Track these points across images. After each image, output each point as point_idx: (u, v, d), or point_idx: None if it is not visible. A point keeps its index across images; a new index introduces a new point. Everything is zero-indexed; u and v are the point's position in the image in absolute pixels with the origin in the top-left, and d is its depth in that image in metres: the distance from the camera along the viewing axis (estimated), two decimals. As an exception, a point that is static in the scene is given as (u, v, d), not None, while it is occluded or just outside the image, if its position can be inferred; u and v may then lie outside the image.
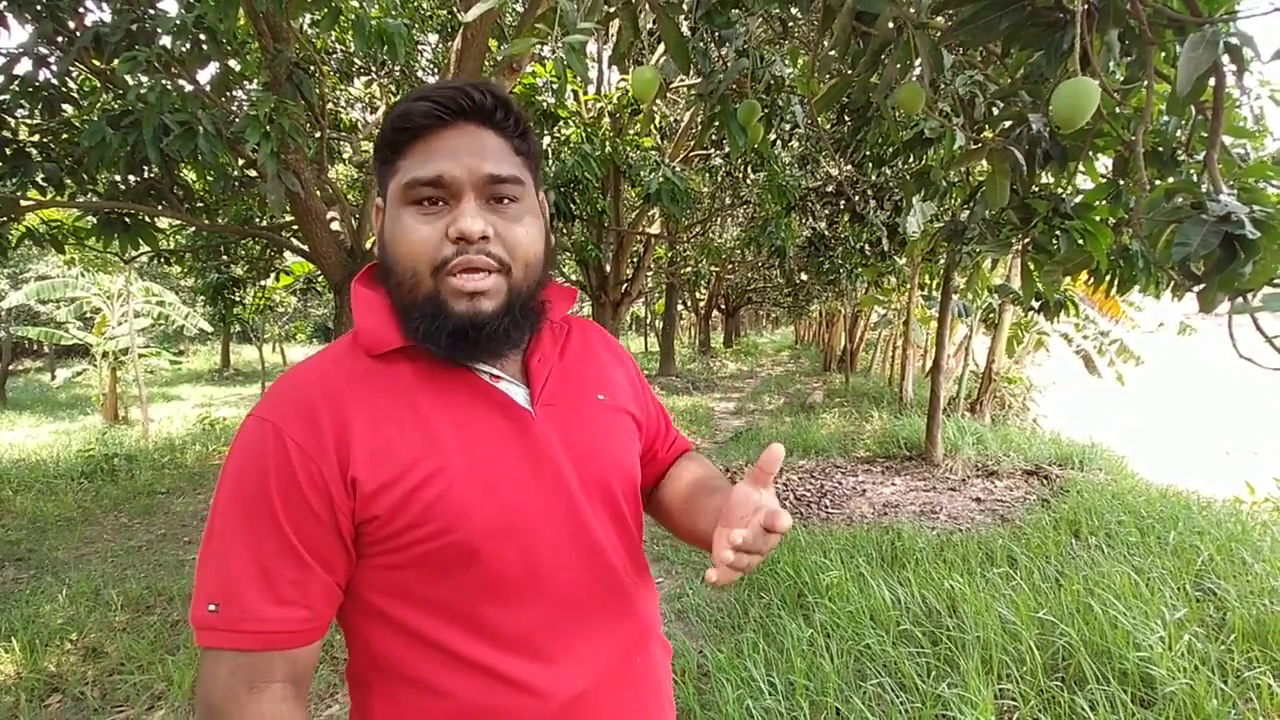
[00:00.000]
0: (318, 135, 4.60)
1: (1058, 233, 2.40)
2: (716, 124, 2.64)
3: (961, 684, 2.31)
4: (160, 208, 3.87)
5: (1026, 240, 2.45)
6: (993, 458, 6.34)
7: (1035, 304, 5.94)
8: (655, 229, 9.02)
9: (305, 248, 4.57)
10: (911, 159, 4.63)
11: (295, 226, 4.70)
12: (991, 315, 8.27)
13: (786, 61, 2.46)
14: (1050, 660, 2.52)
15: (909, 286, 8.82)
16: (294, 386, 0.69)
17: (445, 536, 0.66)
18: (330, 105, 6.51)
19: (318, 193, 4.86)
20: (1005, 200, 2.24)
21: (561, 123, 5.26)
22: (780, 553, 3.76)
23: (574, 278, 12.26)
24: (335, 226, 4.69)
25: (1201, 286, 1.60)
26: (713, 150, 8.51)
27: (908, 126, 4.06)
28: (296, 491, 0.64)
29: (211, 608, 0.63)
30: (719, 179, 8.80)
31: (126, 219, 3.79)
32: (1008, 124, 2.36)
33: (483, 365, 0.74)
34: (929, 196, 4.18)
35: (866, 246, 6.42)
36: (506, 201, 0.71)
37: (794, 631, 2.74)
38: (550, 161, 4.90)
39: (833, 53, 2.15)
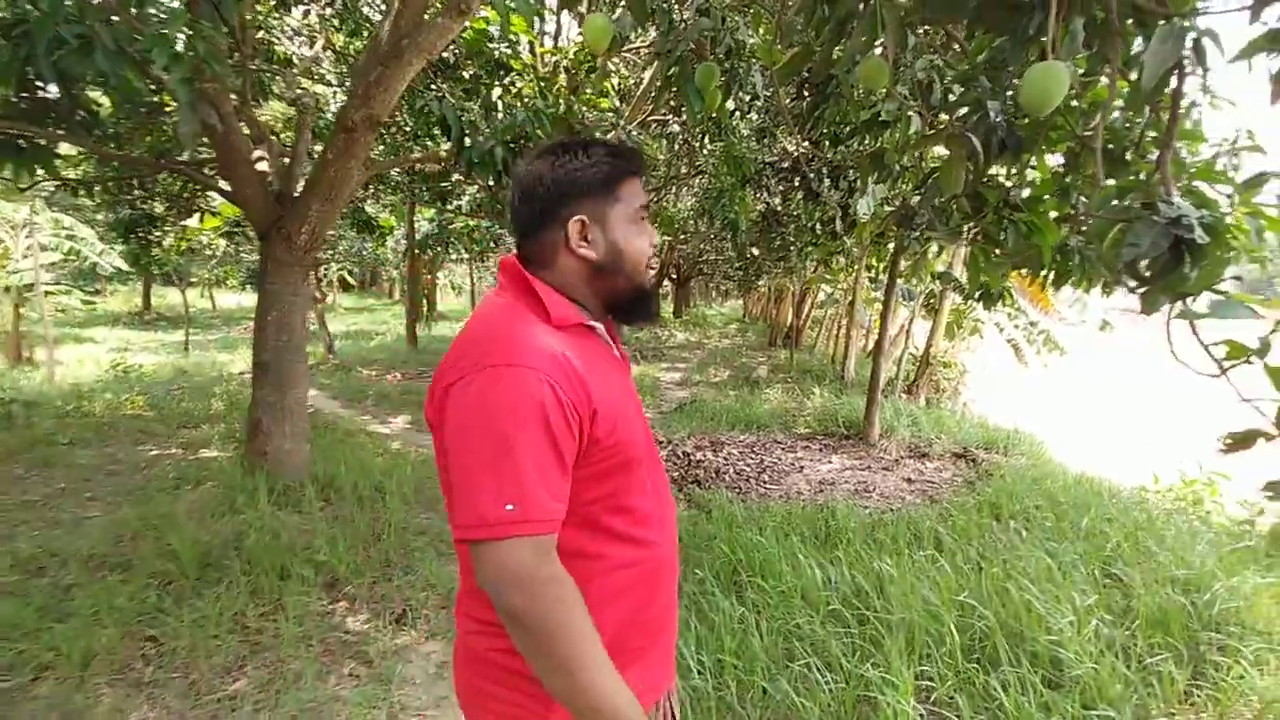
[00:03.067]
0: (245, 65, 4.25)
1: (1006, 224, 2.39)
2: (674, 87, 2.53)
3: (885, 664, 2.34)
4: (60, 132, 3.49)
5: (975, 230, 2.43)
6: (925, 440, 6.51)
7: (976, 293, 6.08)
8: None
9: (227, 188, 4.24)
10: (868, 140, 4.59)
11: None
12: (933, 300, 8.44)
13: (749, 27, 2.35)
14: (969, 641, 2.59)
15: (856, 268, 8.93)
16: (535, 346, 0.90)
17: (623, 454, 0.97)
18: (263, 34, 6.04)
19: (245, 129, 4.52)
20: (959, 187, 2.21)
21: (515, 74, 4.98)
22: (717, 528, 3.76)
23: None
24: (263, 167, 4.36)
25: (1144, 289, 1.59)
26: (671, 116, 8.32)
27: (866, 106, 4.01)
28: (565, 422, 0.87)
29: (510, 507, 0.82)
30: (676, 147, 8.64)
31: (20, 142, 3.42)
32: (964, 110, 2.32)
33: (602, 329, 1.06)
34: (883, 179, 4.16)
35: (819, 225, 6.41)
36: None
37: (726, 609, 2.73)
38: (500, 114, 4.67)
39: (797, 19, 2.05)
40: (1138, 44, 1.93)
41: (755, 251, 10.89)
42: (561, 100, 5.41)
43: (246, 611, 2.77)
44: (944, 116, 2.60)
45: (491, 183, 5.66)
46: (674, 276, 22.65)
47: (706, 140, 7.15)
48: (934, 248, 6.08)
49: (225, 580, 2.96)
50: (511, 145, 4.53)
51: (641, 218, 1.04)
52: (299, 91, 4.81)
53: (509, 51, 4.90)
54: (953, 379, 9.55)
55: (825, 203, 6.01)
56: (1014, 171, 2.42)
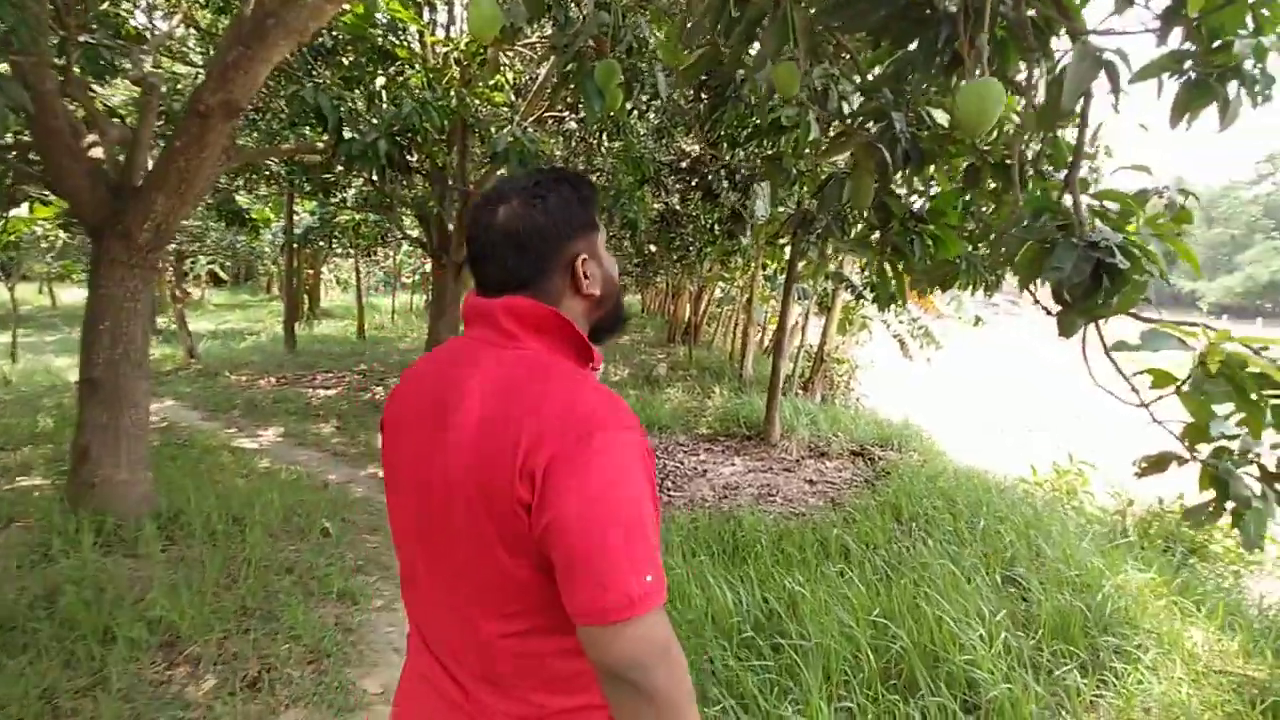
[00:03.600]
0: (79, 39, 3.66)
1: (912, 237, 2.35)
2: (572, 84, 2.31)
3: (803, 700, 2.25)
4: None
5: (882, 240, 2.37)
6: (824, 439, 6.63)
7: (869, 293, 6.25)
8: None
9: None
10: (766, 144, 4.56)
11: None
12: (826, 299, 8.66)
13: (650, 26, 2.19)
14: (885, 665, 2.54)
15: (753, 267, 9.02)
16: (621, 403, 0.86)
17: None
18: (108, 5, 5.28)
19: (79, 111, 3.91)
20: (870, 200, 2.13)
21: (401, 63, 4.56)
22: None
23: (414, 234, 11.27)
24: (98, 154, 3.77)
25: (1062, 311, 1.54)
26: (568, 114, 8.05)
27: (765, 111, 3.97)
28: (653, 477, 0.86)
29: (649, 578, 0.77)
30: (573, 145, 8.40)
31: None
32: (861, 119, 2.24)
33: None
34: (781, 183, 4.13)
35: (716, 226, 6.38)
36: None
37: (634, 646, 2.55)
38: (384, 104, 4.26)
39: (704, 20, 1.90)
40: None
41: (653, 249, 10.85)
42: (453, 93, 5.06)
43: (58, 687, 2.29)
44: (838, 124, 2.53)
45: (375, 177, 5.23)
46: (573, 274, 22.32)
47: (605, 139, 6.97)
48: (830, 249, 6.18)
49: (31, 649, 2.45)
50: (397, 138, 4.16)
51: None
52: (147, 71, 4.20)
53: (394, 39, 4.48)
54: (844, 374, 9.87)
55: (723, 204, 5.98)
56: (914, 184, 2.39)
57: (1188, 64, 1.51)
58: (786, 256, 6.64)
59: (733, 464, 6.11)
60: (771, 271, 8.77)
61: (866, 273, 5.37)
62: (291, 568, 3.27)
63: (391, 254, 18.90)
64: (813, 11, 1.68)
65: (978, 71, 1.74)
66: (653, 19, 2.13)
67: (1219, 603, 3.37)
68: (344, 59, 4.58)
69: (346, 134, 4.17)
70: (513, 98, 7.21)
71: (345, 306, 23.18)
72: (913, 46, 1.89)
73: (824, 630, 2.63)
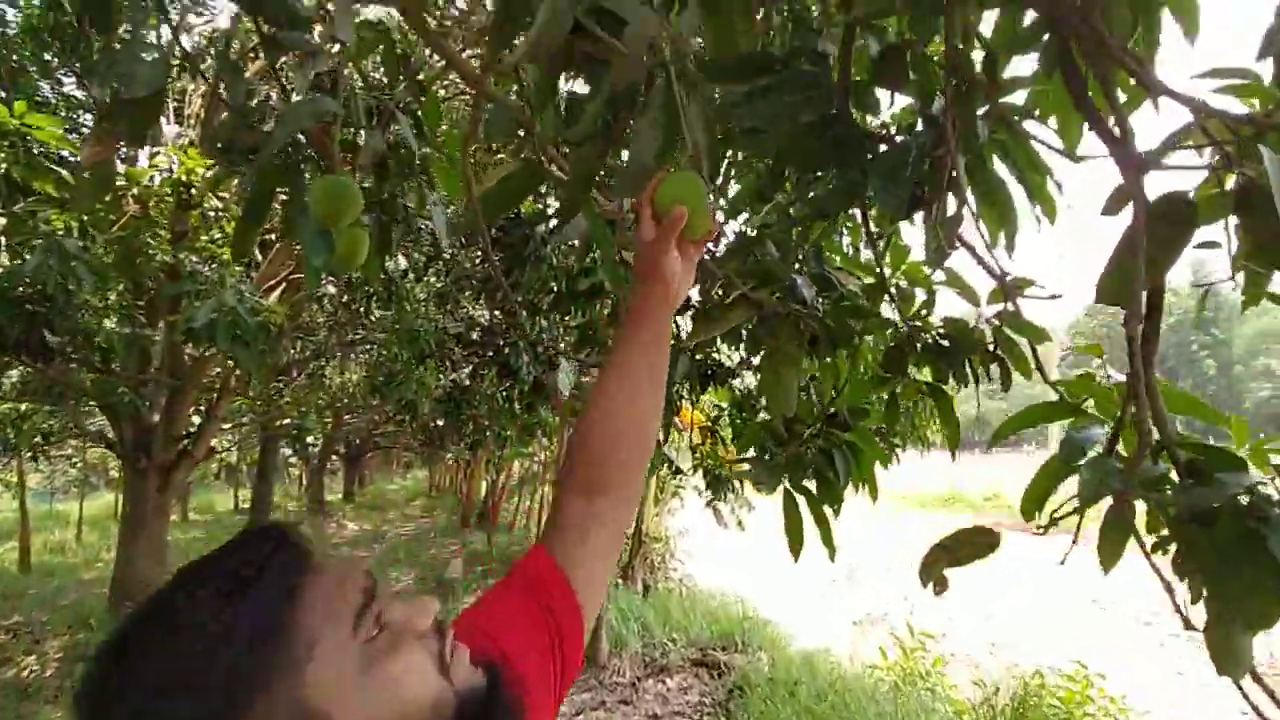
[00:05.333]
0: None
1: (831, 450, 1.62)
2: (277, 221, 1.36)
3: None
4: None
5: (795, 462, 1.59)
6: (659, 646, 5.59)
7: (691, 471, 5.64)
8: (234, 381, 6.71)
9: None
10: (576, 312, 3.87)
11: None
12: (638, 473, 7.97)
13: (421, 118, 1.33)
14: None
15: (556, 441, 8.15)
16: None
17: None
18: None
19: None
20: (794, 403, 1.36)
21: (38, 198, 3.17)
22: None
23: (105, 429, 8.84)
24: None
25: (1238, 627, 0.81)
26: (330, 277, 6.92)
27: (578, 274, 3.30)
28: None
29: None
30: (336, 314, 7.21)
31: None
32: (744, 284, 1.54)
33: None
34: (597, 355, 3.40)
35: (516, 404, 5.46)
36: None
37: None
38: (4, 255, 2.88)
39: (516, 106, 1.09)
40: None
41: (441, 422, 9.60)
42: (151, 243, 3.77)
43: None
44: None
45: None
46: (342, 452, 19.84)
47: (373, 306, 5.90)
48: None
49: None
50: (26, 304, 2.77)
51: (378, 621, 0.53)
52: None
53: (34, 168, 3.16)
54: (662, 552, 9.07)
55: (523, 380, 5.13)
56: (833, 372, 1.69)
57: None
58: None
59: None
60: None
61: (698, 454, 4.77)
62: None
63: (82, 450, 14.54)
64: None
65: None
66: (426, 107, 1.27)
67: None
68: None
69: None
70: (258, 256, 5.95)
71: (9, 520, 17.36)
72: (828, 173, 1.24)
73: None
